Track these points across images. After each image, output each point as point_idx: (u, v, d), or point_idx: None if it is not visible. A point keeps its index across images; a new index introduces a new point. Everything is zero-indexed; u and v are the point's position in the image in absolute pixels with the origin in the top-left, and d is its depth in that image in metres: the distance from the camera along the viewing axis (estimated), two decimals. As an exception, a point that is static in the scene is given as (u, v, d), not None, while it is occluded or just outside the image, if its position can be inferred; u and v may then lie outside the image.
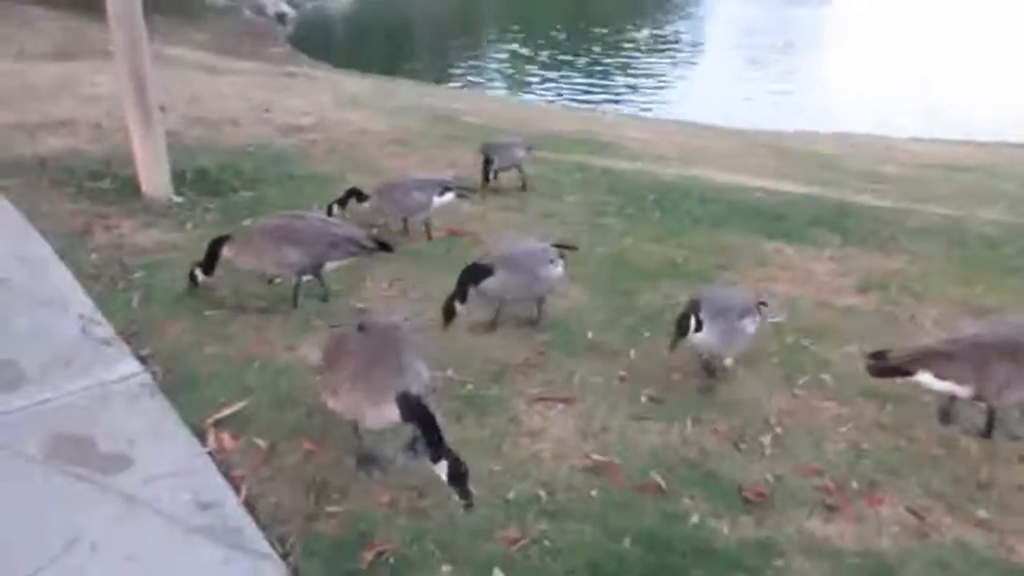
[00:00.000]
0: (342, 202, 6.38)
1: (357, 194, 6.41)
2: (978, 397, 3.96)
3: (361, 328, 3.57)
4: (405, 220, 6.63)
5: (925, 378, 3.96)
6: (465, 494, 3.00)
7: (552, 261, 4.97)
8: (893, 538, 3.35)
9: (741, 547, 3.23)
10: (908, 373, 4.00)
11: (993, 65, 24.11)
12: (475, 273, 4.71)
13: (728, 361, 4.55)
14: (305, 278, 5.19)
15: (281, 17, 28.55)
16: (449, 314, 4.70)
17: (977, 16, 33.73)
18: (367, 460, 3.57)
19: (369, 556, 3.06)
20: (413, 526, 3.22)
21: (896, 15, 35.48)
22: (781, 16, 34.33)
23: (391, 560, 3.06)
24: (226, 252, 5.08)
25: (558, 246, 5.13)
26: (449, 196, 6.59)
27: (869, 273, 6.49)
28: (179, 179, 7.33)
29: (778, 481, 3.66)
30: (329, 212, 6.28)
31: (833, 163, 12.25)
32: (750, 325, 4.40)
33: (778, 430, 4.07)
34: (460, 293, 4.68)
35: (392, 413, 3.14)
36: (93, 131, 9.05)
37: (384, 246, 5.28)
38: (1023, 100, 19.29)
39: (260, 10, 28.36)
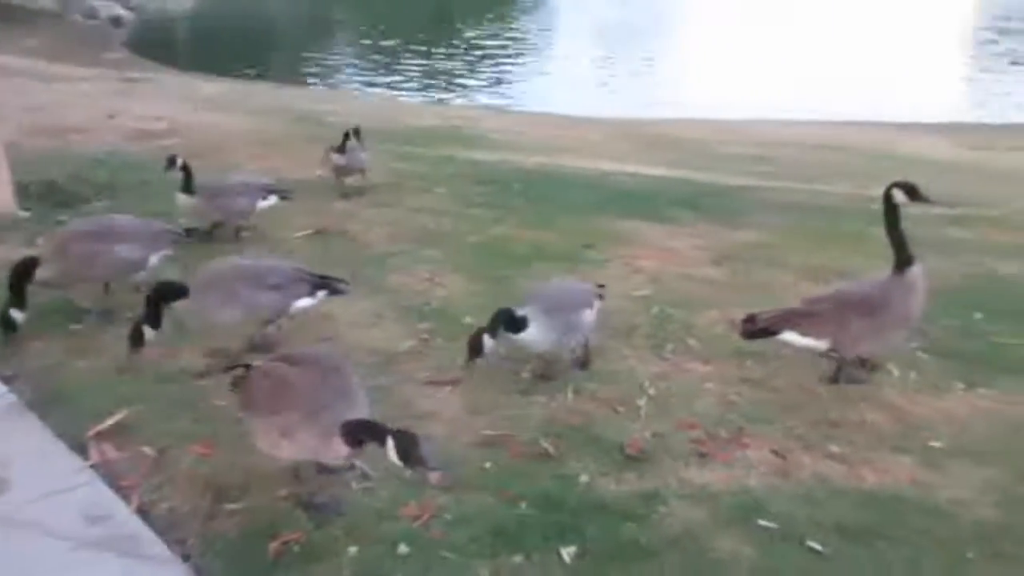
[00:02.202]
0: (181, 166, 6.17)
1: (187, 178, 6.14)
2: (833, 349, 4.41)
3: (289, 361, 3.32)
4: (217, 224, 6.43)
5: (790, 336, 4.40)
6: (419, 460, 2.81)
7: (278, 287, 4.41)
8: (761, 477, 3.68)
9: (628, 499, 3.46)
10: (775, 333, 4.42)
11: (841, 48, 26.01)
12: (168, 292, 4.19)
13: (573, 346, 4.52)
14: (142, 275, 5.04)
15: (116, 20, 27.12)
16: (136, 339, 4.09)
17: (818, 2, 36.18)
18: (317, 506, 3.34)
19: (275, 547, 3.08)
20: (316, 514, 3.27)
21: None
22: (630, 6, 35.63)
23: (297, 548, 3.10)
24: (43, 273, 4.68)
25: (324, 278, 4.60)
26: (272, 199, 6.50)
27: (724, 246, 6.98)
28: (23, 193, 6.94)
29: (656, 437, 3.93)
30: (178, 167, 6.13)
31: (687, 146, 12.96)
32: (588, 314, 4.45)
33: (652, 392, 4.36)
34: (151, 316, 4.10)
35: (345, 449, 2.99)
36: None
37: (190, 233, 5.34)
38: (866, 81, 20.86)
39: (92, 14, 26.82)
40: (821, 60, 23.80)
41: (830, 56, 24.55)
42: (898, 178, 4.55)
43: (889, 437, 4.06)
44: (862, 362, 4.63)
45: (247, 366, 3.46)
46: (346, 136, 7.65)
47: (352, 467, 3.53)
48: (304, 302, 4.52)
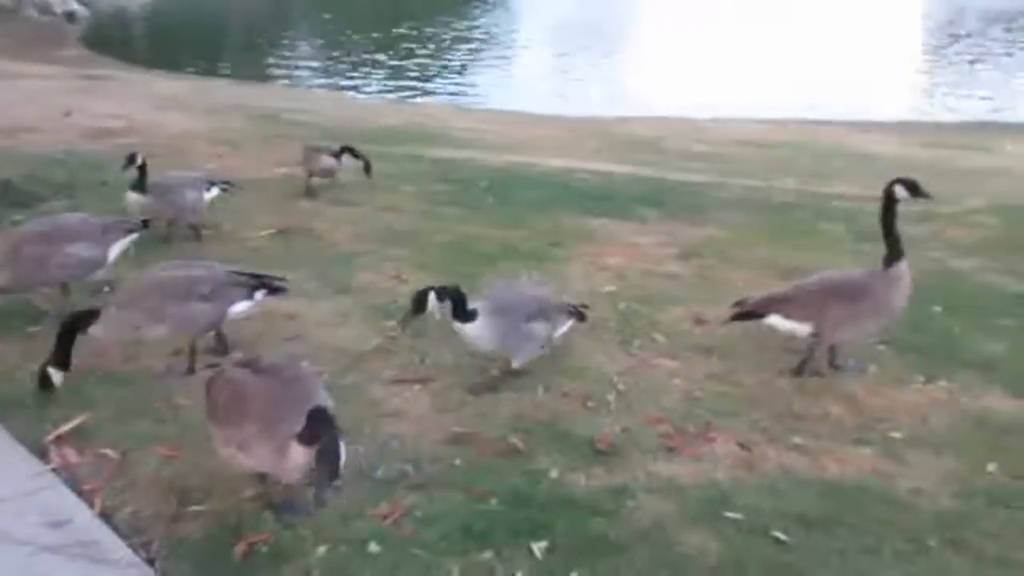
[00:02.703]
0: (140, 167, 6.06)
1: (141, 176, 6.02)
2: (814, 334, 4.51)
3: (253, 368, 3.26)
4: (169, 223, 6.34)
5: (774, 320, 4.52)
6: (322, 483, 2.79)
7: (209, 296, 4.20)
8: (727, 470, 3.72)
9: (597, 494, 3.48)
10: (761, 316, 4.55)
11: (801, 48, 26.35)
12: (79, 321, 3.97)
13: (515, 364, 4.35)
14: (101, 272, 4.96)
15: (70, 16, 26.59)
16: (44, 384, 3.89)
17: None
18: (285, 507, 3.29)
19: (242, 549, 3.05)
20: (284, 515, 3.23)
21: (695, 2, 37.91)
22: (594, 6, 35.79)
23: (264, 550, 3.06)
24: None
25: (261, 277, 4.44)
26: (215, 191, 6.46)
27: (687, 242, 7.04)
28: (-22, 193, 6.80)
29: (625, 432, 3.96)
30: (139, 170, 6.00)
31: (649, 144, 13.02)
32: (539, 328, 4.29)
33: (621, 387, 4.38)
34: (60, 354, 3.87)
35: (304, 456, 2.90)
36: None
37: (146, 224, 5.33)
38: (824, 80, 21.13)
39: (46, 9, 26.26)
40: (781, 60, 24.10)
41: (790, 56, 24.88)
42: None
43: (851, 429, 4.13)
44: (831, 356, 4.71)
45: (215, 365, 3.41)
46: (349, 151, 7.69)
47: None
48: (242, 306, 4.35)
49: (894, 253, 4.46)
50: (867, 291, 4.46)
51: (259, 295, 4.41)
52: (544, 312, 4.37)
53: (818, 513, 3.43)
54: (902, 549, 3.25)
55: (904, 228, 4.58)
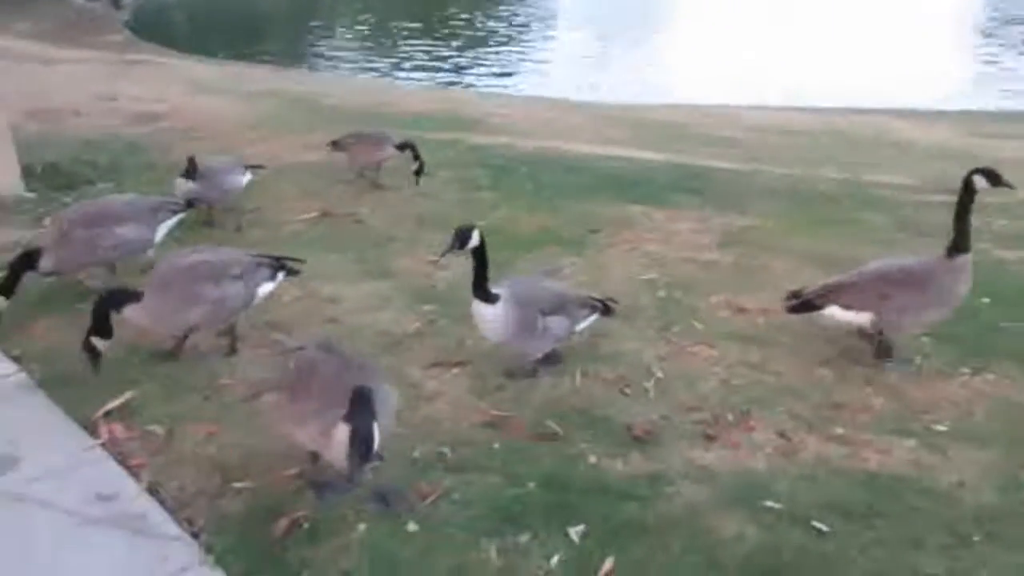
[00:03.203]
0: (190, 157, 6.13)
1: (190, 167, 6.07)
2: (875, 323, 4.43)
3: (325, 351, 3.34)
4: (211, 208, 6.39)
5: (833, 311, 4.44)
6: (353, 467, 2.78)
7: (240, 277, 4.28)
8: (765, 459, 3.70)
9: (634, 480, 3.48)
10: (818, 307, 4.47)
11: (845, 34, 25.84)
12: (115, 300, 4.00)
13: (534, 358, 4.29)
14: (150, 252, 5.08)
15: (116, 2, 26.97)
16: (91, 352, 3.94)
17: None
18: (327, 488, 3.31)
19: (284, 525, 3.10)
20: (325, 492, 3.28)
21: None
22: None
23: (306, 526, 3.12)
24: (46, 263, 4.61)
25: (280, 259, 4.51)
26: (249, 175, 6.55)
27: (725, 230, 6.96)
28: (27, 174, 6.95)
29: (662, 419, 3.95)
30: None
31: (683, 131, 12.89)
32: (556, 324, 4.18)
33: (659, 374, 4.37)
34: (98, 327, 3.93)
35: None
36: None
37: (190, 204, 5.47)
38: (867, 67, 20.72)
39: (92, -5, 26.68)
40: (821, 46, 23.65)
41: (830, 42, 24.40)
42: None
43: (892, 420, 4.07)
44: (885, 349, 4.61)
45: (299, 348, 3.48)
46: (411, 148, 7.64)
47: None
48: (267, 287, 4.45)
49: (961, 244, 4.36)
50: (932, 279, 4.37)
51: (280, 276, 4.51)
52: (563, 307, 4.25)
53: (858, 504, 3.39)
54: (944, 542, 3.20)
55: (952, 219, 4.47)
